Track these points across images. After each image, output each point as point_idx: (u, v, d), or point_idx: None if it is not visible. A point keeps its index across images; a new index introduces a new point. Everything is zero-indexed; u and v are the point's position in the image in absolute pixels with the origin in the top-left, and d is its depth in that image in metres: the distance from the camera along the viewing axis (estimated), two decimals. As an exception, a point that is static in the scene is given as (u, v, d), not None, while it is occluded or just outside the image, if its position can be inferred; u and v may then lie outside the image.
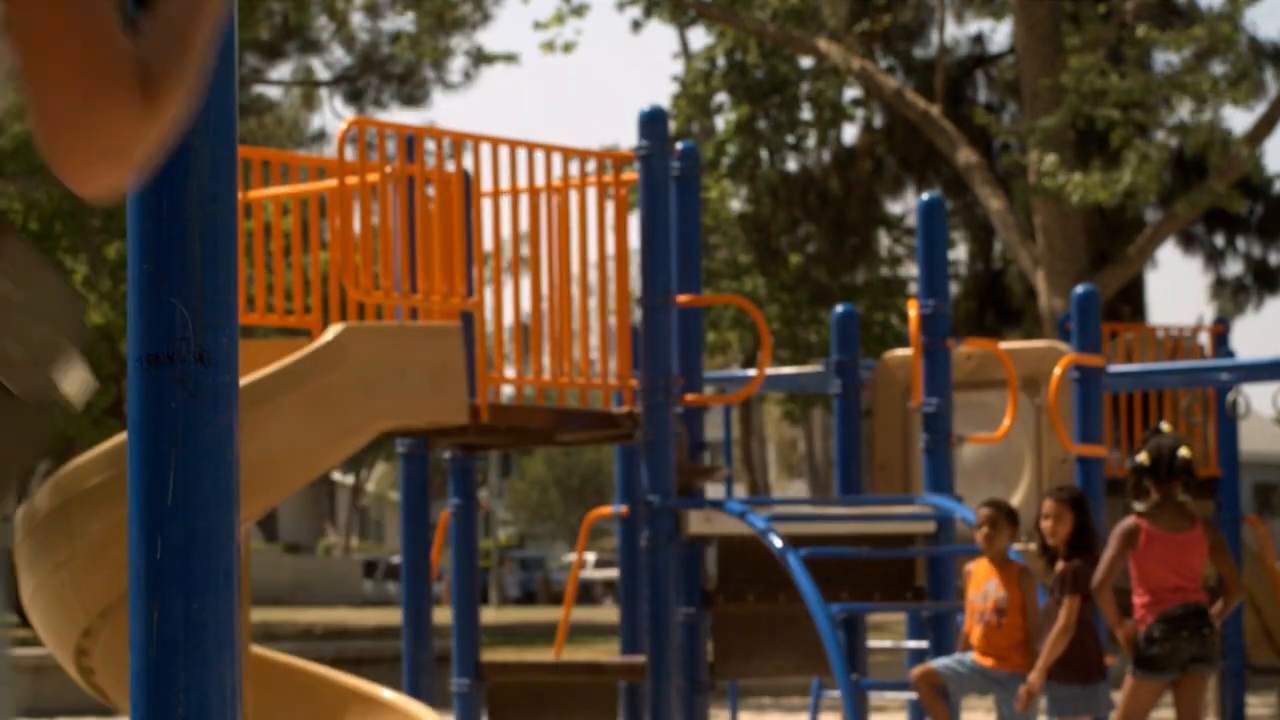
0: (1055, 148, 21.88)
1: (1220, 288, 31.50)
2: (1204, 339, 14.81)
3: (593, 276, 14.05)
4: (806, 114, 29.87)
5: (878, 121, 30.89)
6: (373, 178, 9.04)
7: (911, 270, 29.87)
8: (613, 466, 12.78)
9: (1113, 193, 20.99)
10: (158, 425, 2.94)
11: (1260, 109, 23.08)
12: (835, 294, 27.69)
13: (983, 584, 9.41)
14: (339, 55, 30.51)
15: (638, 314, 9.94)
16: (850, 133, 31.41)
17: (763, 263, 29.54)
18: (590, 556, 51.80)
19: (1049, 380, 11.17)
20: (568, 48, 24.39)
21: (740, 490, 34.12)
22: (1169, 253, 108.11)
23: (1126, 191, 21.18)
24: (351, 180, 9.14)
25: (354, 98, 30.42)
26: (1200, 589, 9.03)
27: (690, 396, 10.07)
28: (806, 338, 28.81)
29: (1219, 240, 31.38)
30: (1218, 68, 22.17)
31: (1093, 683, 9.07)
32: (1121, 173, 21.18)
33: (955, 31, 38.81)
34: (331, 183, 9.27)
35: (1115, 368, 12.41)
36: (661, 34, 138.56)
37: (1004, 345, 11.93)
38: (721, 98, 29.52)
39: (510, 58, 29.14)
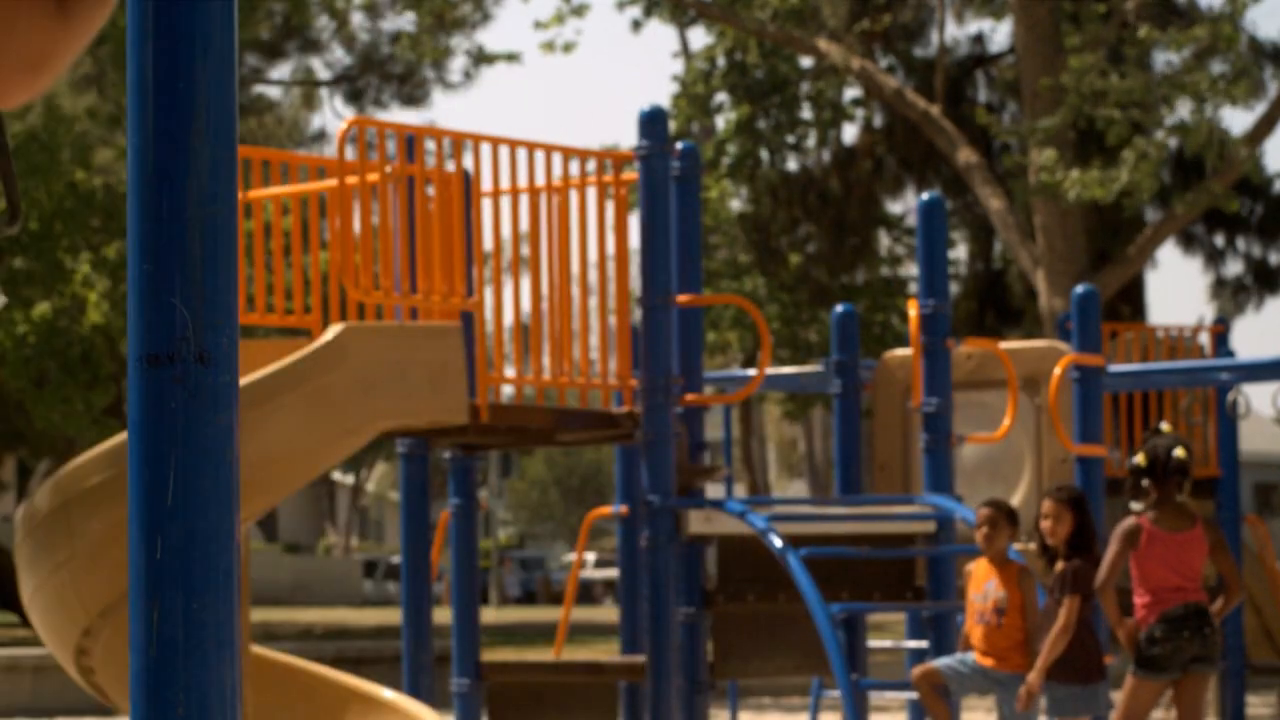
0: (1056, 148, 21.86)
1: (1220, 288, 31.48)
2: (1204, 339, 14.81)
3: (593, 276, 14.06)
4: (806, 114, 29.84)
5: (878, 121, 30.87)
6: (373, 178, 9.04)
7: (911, 270, 29.85)
8: (613, 466, 12.78)
9: (1109, 190, 20.97)
10: (158, 425, 2.94)
11: (1260, 109, 23.09)
12: (835, 294, 27.68)
13: (983, 584, 9.40)
14: (339, 55, 30.55)
15: (638, 314, 9.93)
16: (850, 133, 31.42)
17: (763, 263, 29.52)
18: (590, 556, 51.78)
19: (1049, 380, 11.16)
20: (568, 48, 24.39)
21: (740, 490, 34.12)
22: (1169, 253, 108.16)
23: (1123, 190, 21.16)
24: (351, 180, 9.13)
25: (354, 98, 30.43)
26: (1201, 589, 9.03)
27: (690, 396, 10.07)
28: (806, 338, 28.79)
29: (1219, 240, 31.35)
30: (1217, 67, 22.16)
31: (1092, 683, 9.07)
32: (1119, 171, 21.16)
33: (955, 31, 38.85)
34: (331, 182, 9.26)
35: (1115, 368, 12.40)
36: (661, 34, 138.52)
37: (1004, 345, 11.92)
38: (721, 97, 29.49)
39: (510, 57, 29.13)
